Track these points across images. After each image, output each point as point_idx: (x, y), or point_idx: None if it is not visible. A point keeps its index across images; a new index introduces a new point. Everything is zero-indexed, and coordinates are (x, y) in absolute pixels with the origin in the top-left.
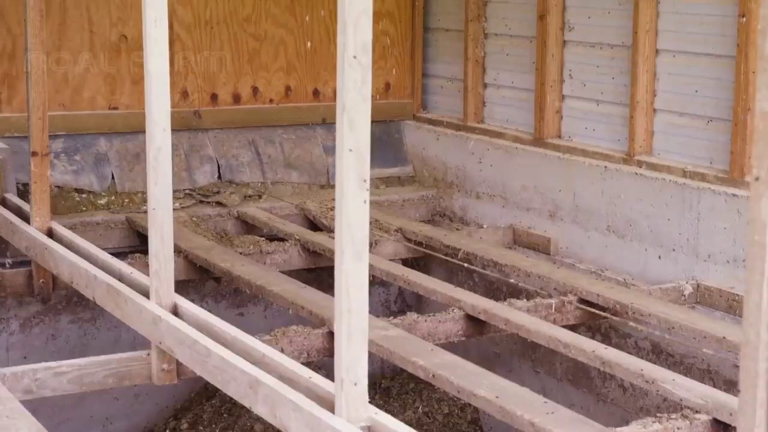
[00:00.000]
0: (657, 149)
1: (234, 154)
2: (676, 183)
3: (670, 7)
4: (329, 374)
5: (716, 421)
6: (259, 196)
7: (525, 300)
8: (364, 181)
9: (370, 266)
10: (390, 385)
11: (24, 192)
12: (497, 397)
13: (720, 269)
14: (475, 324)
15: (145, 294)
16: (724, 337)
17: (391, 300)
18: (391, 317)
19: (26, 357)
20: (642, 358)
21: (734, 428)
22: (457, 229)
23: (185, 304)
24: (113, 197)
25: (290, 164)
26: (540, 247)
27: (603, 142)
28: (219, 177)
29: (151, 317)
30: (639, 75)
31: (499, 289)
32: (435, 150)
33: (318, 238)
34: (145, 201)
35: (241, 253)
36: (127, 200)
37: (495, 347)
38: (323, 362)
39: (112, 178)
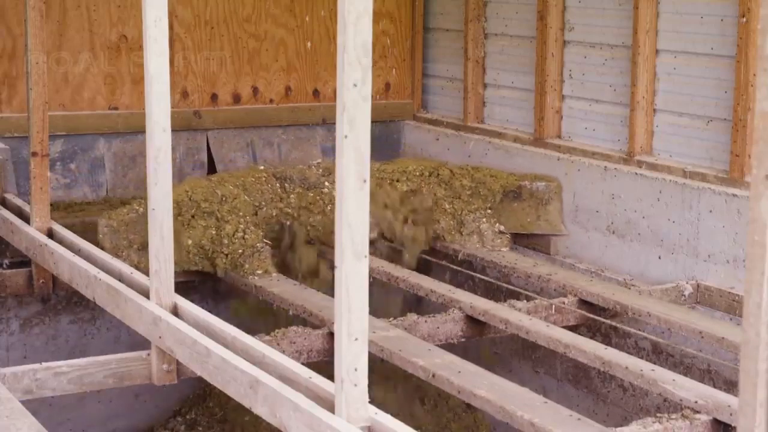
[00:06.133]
0: (657, 149)
1: (231, 158)
2: (676, 183)
3: (670, 7)
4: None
5: (716, 421)
6: None
7: (525, 301)
8: (364, 181)
9: (370, 267)
10: (390, 385)
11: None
12: (497, 397)
13: (720, 269)
14: (475, 325)
15: (145, 294)
16: (723, 337)
17: (391, 300)
18: (391, 318)
19: (26, 357)
20: (642, 358)
21: (734, 428)
22: None
23: (185, 304)
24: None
25: None
26: (540, 247)
27: (603, 142)
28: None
29: (151, 317)
30: (639, 75)
31: (499, 290)
32: (435, 150)
33: None
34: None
35: None
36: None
37: (495, 347)
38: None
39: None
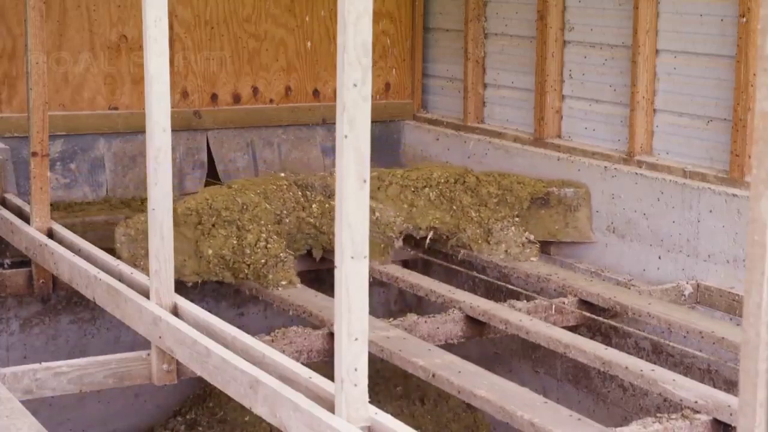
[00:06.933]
0: (657, 149)
1: (231, 158)
2: (676, 183)
3: (670, 7)
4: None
5: (716, 421)
6: None
7: (525, 301)
8: (364, 181)
9: (370, 267)
10: (390, 385)
11: None
12: (497, 397)
13: (720, 269)
14: (475, 325)
15: (145, 294)
16: (723, 337)
17: (391, 300)
18: (391, 318)
19: (26, 357)
20: (642, 358)
21: (734, 428)
22: None
23: (185, 304)
24: (107, 205)
25: (286, 168)
26: (540, 247)
27: (603, 142)
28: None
29: (151, 317)
30: (639, 75)
31: (499, 290)
32: (435, 150)
33: None
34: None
35: None
36: (122, 206)
37: (495, 347)
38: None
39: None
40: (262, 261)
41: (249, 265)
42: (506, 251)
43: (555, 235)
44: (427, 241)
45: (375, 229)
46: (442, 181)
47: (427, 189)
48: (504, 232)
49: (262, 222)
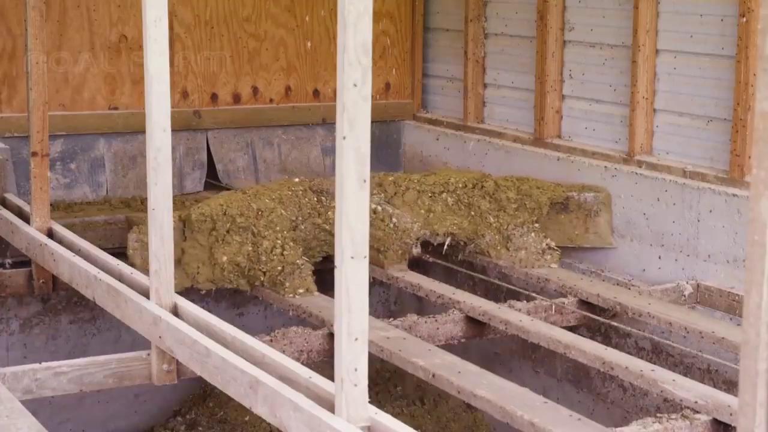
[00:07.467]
0: (657, 149)
1: (231, 158)
2: (676, 183)
3: (670, 7)
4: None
5: (716, 421)
6: None
7: (525, 301)
8: (365, 181)
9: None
10: (390, 385)
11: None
12: (497, 397)
13: (720, 269)
14: (475, 325)
15: (145, 294)
16: (723, 337)
17: (390, 301)
18: (391, 318)
19: (26, 357)
20: (642, 358)
21: (734, 428)
22: None
23: (185, 304)
24: (107, 205)
25: (286, 168)
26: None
27: (603, 142)
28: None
29: (151, 317)
30: (639, 75)
31: (499, 290)
32: (435, 150)
33: None
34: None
35: None
36: (122, 206)
37: (495, 348)
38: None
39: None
40: (279, 268)
41: (265, 273)
42: (525, 258)
43: (575, 241)
44: (445, 247)
45: (392, 235)
46: (460, 186)
47: (444, 194)
48: (523, 238)
49: (278, 228)
